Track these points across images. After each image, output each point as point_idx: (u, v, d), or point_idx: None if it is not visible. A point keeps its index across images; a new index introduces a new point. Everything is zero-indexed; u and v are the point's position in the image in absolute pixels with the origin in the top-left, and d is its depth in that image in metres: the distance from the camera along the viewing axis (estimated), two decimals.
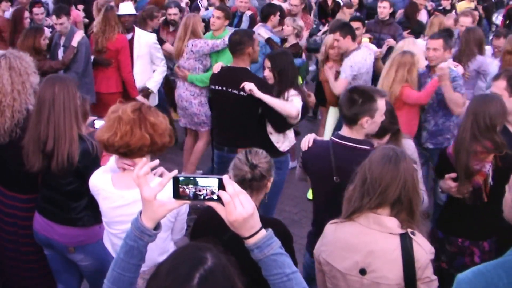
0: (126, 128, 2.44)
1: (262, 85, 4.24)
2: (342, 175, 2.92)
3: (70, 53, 5.61)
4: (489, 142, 3.16)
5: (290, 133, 4.58)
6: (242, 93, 4.27)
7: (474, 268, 1.76)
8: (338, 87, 5.41)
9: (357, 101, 2.91)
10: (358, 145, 2.96)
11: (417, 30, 7.29)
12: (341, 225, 2.38)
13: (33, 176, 3.20)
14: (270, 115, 4.30)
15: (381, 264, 2.24)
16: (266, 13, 6.93)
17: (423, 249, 2.24)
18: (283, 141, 4.54)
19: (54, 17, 5.82)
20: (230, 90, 4.37)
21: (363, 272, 2.26)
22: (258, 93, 4.14)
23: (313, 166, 3.21)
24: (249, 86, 4.16)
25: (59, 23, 5.75)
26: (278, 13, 6.87)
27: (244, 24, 7.25)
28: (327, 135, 5.86)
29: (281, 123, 4.34)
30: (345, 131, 3.04)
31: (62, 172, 2.99)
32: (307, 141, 3.21)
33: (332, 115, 6.14)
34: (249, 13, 7.48)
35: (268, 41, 6.20)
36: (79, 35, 5.74)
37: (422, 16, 8.59)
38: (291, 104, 4.20)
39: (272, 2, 7.94)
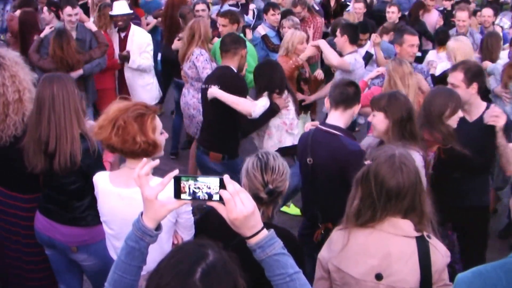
0: (128, 136, 2.42)
1: (236, 87, 4.23)
2: (314, 157, 3.37)
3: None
4: (437, 133, 3.37)
5: (277, 133, 4.51)
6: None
7: (475, 268, 1.75)
8: (340, 61, 5.11)
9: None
10: (330, 130, 3.34)
11: (417, 29, 7.19)
12: (351, 231, 2.29)
13: (35, 176, 3.17)
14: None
15: (399, 267, 2.19)
16: (264, 8, 7.08)
17: (440, 253, 2.21)
18: (267, 140, 4.55)
19: (68, 8, 5.59)
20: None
21: (379, 277, 2.20)
22: (216, 92, 4.19)
23: (298, 149, 3.66)
24: (211, 90, 4.21)
25: (74, 14, 5.62)
26: (278, 11, 6.89)
27: None
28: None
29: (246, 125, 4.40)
30: (329, 118, 3.43)
31: (65, 172, 2.97)
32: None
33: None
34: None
35: (264, 38, 6.46)
36: (93, 27, 5.79)
37: (433, 17, 8.46)
38: (246, 103, 4.24)
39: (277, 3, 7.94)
